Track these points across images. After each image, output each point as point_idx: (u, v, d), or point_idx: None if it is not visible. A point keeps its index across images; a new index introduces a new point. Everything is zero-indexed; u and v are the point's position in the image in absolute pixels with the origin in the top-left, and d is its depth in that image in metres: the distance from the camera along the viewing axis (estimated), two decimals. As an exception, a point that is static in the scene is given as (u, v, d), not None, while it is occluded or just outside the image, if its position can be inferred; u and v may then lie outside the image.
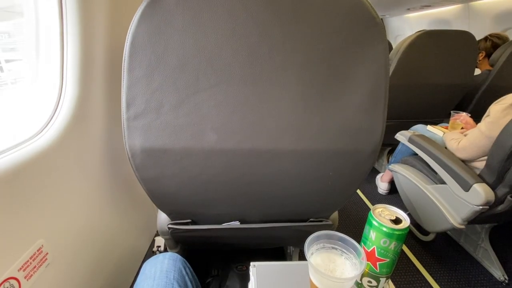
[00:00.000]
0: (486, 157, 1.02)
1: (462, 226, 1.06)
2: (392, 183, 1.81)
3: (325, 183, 0.63)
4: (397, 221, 0.39)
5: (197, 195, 0.64)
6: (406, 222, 0.39)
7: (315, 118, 0.53)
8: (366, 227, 0.41)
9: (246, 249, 1.05)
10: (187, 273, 0.58)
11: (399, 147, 1.65)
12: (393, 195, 1.82)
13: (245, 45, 0.47)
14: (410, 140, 1.34)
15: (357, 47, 0.48)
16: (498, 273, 1.17)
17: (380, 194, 1.86)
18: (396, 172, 1.45)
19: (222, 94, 0.50)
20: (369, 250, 0.41)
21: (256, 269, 0.48)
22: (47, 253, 0.52)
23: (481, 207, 0.97)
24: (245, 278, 0.97)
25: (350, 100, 0.52)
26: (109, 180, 0.80)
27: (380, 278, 0.42)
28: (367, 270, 0.42)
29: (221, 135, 0.53)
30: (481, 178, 1.01)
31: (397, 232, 0.37)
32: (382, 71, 0.51)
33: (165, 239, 0.89)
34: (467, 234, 1.35)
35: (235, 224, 0.76)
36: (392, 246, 0.38)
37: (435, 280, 1.16)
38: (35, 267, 0.49)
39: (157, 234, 1.10)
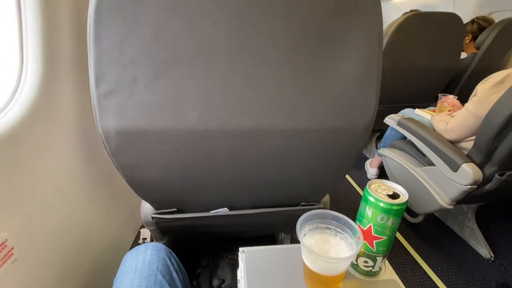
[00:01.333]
0: (473, 137, 1.02)
1: (451, 207, 1.07)
2: (381, 168, 1.82)
3: (316, 164, 0.60)
4: (394, 196, 0.36)
5: (181, 181, 0.60)
6: (404, 196, 0.36)
7: (305, 93, 0.50)
8: (362, 204, 0.38)
9: (237, 238, 1.03)
10: (172, 263, 0.54)
11: (387, 132, 1.65)
12: (382, 180, 1.83)
13: (229, 8, 0.42)
14: (399, 123, 1.33)
15: (349, 11, 0.44)
16: (484, 251, 1.20)
17: (370, 179, 1.87)
18: (385, 156, 1.45)
19: (202, 67, 0.45)
20: (365, 229, 0.38)
21: (245, 254, 0.45)
22: (12, 248, 0.47)
23: (469, 186, 0.97)
24: (236, 267, 0.94)
25: (342, 71, 0.48)
26: (84, 167, 0.74)
27: (377, 258, 0.39)
28: (363, 249, 0.40)
29: (203, 114, 0.49)
30: (469, 158, 1.01)
31: (395, 207, 0.35)
32: (376, 38, 0.47)
33: (151, 231, 0.84)
34: (454, 214, 1.37)
35: (224, 211, 0.72)
36: (390, 222, 0.36)
37: (424, 260, 1.18)
38: (-2, 263, 0.44)
39: (143, 226, 1.06)
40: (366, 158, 2.03)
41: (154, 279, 0.48)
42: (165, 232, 0.86)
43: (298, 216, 0.40)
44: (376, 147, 2.09)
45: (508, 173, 0.91)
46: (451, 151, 1.04)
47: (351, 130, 0.55)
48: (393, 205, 0.35)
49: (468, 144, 1.07)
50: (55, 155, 0.63)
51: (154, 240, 0.91)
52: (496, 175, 0.93)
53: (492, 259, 1.18)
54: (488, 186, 0.96)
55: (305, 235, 0.38)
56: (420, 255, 1.21)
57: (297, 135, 0.54)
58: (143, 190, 0.63)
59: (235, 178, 0.61)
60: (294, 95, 0.50)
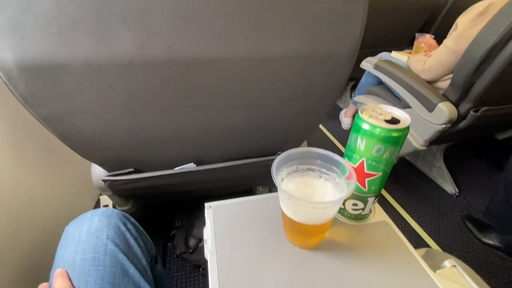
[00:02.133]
0: (450, 76, 0.99)
1: (424, 148, 1.07)
2: (355, 117, 1.80)
3: (292, 103, 0.51)
4: (393, 122, 0.29)
5: (129, 133, 0.48)
6: (405, 121, 0.29)
7: (277, 10, 0.38)
8: (352, 135, 0.30)
9: (211, 195, 0.96)
10: (128, 229, 0.45)
11: (362, 79, 1.59)
12: (356, 129, 1.82)
13: None
14: (376, 66, 1.26)
15: None
16: (450, 187, 1.27)
17: (345, 130, 1.85)
18: (360, 103, 1.41)
19: None
20: (355, 166, 0.31)
21: (212, 210, 0.37)
22: None
23: (444, 125, 0.96)
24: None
25: None
26: (6, 124, 0.59)
27: (368, 199, 0.33)
28: (352, 191, 0.33)
29: (142, 36, 0.36)
30: (445, 97, 0.98)
31: (395, 134, 0.27)
32: None
33: (109, 196, 0.74)
34: (423, 156, 1.42)
35: (190, 166, 0.63)
36: (387, 154, 0.29)
37: (396, 201, 1.23)
38: None
39: (103, 193, 0.94)
40: (340, 109, 2.00)
41: (104, 250, 0.39)
42: (126, 196, 0.76)
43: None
44: (351, 97, 2.05)
45: (483, 108, 0.90)
46: (427, 90, 1.01)
47: (332, 57, 0.45)
48: (392, 131, 0.27)
49: (444, 84, 1.04)
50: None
51: (116, 206, 0.81)
52: (471, 112, 0.92)
53: (457, 194, 1.25)
54: (462, 124, 0.96)
55: (283, 179, 0.30)
56: (392, 196, 1.25)
57: (268, 65, 0.43)
58: (83, 148, 0.50)
59: (197, 125, 0.51)
60: (263, 13, 0.38)
